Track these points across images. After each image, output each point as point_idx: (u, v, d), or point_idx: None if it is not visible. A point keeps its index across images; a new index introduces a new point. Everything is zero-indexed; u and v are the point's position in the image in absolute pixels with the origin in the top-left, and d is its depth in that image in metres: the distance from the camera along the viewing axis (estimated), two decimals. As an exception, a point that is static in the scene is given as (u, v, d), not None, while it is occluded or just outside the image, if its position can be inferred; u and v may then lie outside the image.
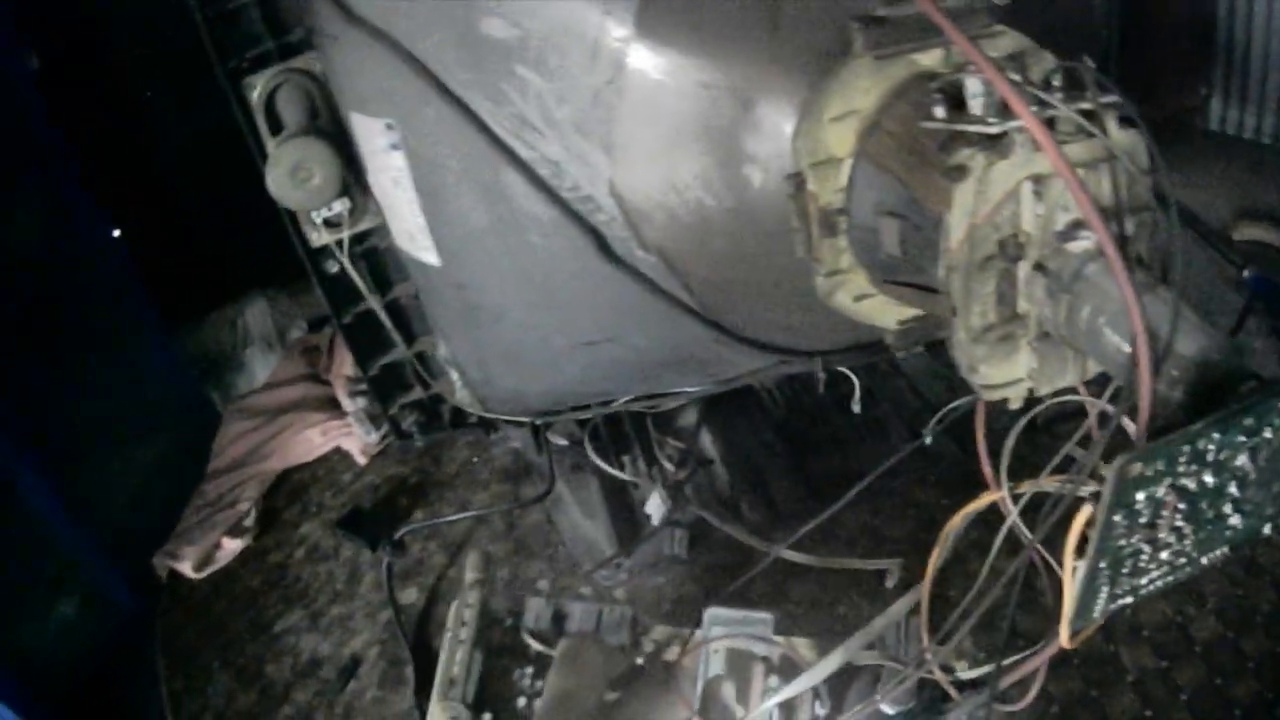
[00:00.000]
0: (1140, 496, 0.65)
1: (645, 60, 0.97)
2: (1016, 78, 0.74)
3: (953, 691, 1.01)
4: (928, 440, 1.29)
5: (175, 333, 2.36)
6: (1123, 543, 0.68)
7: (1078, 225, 0.74)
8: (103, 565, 1.98)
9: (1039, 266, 0.76)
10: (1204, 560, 0.73)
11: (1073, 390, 0.84)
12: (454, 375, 1.49)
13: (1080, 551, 0.68)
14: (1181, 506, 0.68)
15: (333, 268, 1.49)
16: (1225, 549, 0.73)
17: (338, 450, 1.96)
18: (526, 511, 1.70)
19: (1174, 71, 2.16)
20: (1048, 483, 0.83)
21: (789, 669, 1.15)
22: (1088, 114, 0.74)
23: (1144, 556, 0.70)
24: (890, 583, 1.36)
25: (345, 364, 1.99)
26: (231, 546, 1.84)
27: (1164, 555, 0.71)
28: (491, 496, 1.78)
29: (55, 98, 2.01)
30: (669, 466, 1.57)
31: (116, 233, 2.21)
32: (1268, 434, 0.67)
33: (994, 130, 0.75)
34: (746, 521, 1.52)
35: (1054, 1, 1.20)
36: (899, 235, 0.85)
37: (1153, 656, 1.30)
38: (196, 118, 2.21)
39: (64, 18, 2.16)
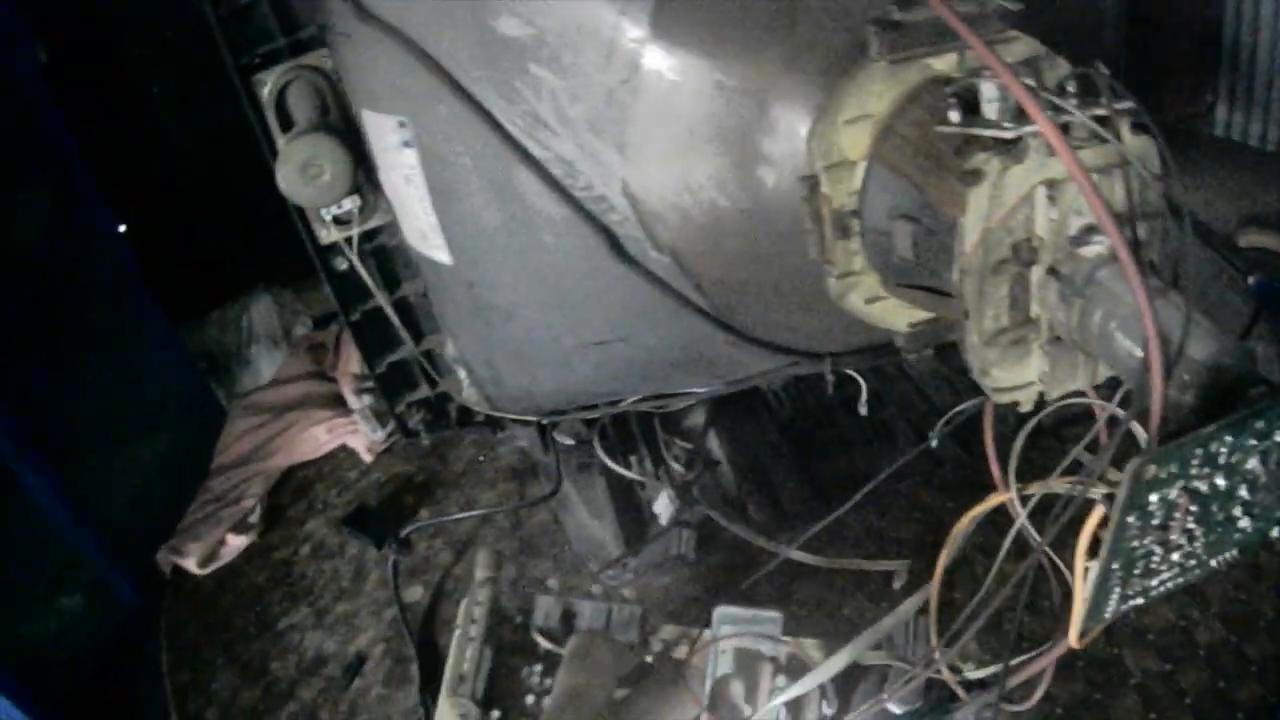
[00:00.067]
0: (1154, 498, 0.66)
1: (660, 60, 0.97)
2: (1031, 83, 0.75)
3: (960, 691, 1.02)
4: (934, 443, 1.29)
5: (180, 329, 2.36)
6: (1135, 544, 0.68)
7: (1091, 230, 0.75)
8: (106, 561, 1.98)
9: (1052, 271, 0.76)
10: (1213, 563, 0.74)
11: (1079, 393, 0.84)
12: (462, 374, 1.49)
13: (1093, 553, 0.69)
14: (1193, 509, 0.68)
15: (342, 265, 1.50)
16: (1234, 552, 0.74)
17: (343, 448, 1.97)
18: (532, 511, 1.71)
19: (1180, 78, 2.17)
20: (1057, 484, 0.83)
21: (797, 669, 1.15)
22: (1101, 119, 0.75)
23: (1155, 558, 0.70)
24: (898, 584, 1.37)
25: (351, 361, 1.99)
26: (236, 543, 1.84)
27: (1175, 557, 0.71)
28: (497, 495, 1.78)
29: (62, 92, 2.02)
30: (677, 467, 1.58)
31: (122, 228, 2.21)
32: (1278, 438, 0.68)
33: (1009, 135, 0.75)
34: (753, 523, 1.52)
35: (1063, 8, 1.20)
36: (912, 238, 0.86)
37: (1156, 659, 1.31)
38: (203, 114, 2.22)
39: (72, 12, 2.17)
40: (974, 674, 1.00)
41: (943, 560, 0.97)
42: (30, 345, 1.86)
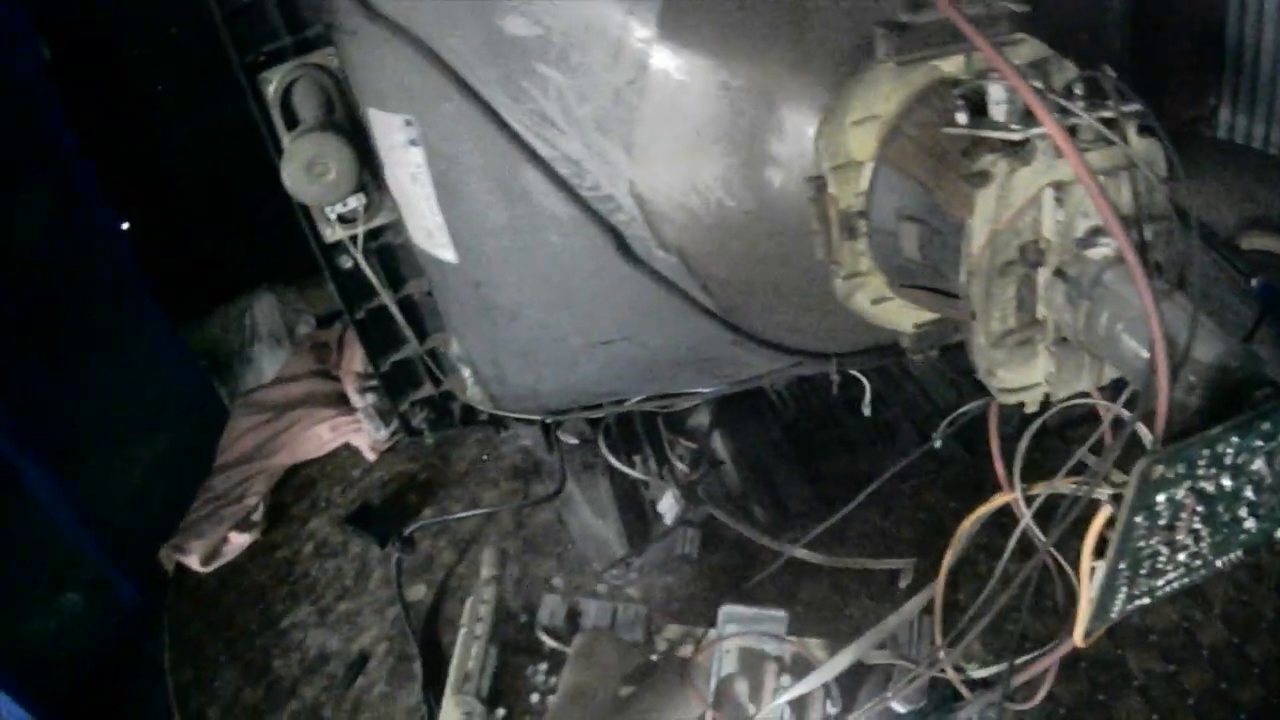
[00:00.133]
0: (1161, 498, 0.67)
1: (668, 61, 0.98)
2: (1039, 85, 0.75)
3: (964, 690, 1.02)
4: (937, 444, 1.29)
5: (182, 327, 2.37)
6: (1142, 544, 0.69)
7: (1097, 232, 0.75)
8: (107, 560, 1.99)
9: (1058, 272, 0.77)
10: (1219, 563, 0.74)
11: (1084, 395, 0.84)
12: (466, 372, 1.50)
13: (1099, 553, 0.69)
14: (1199, 509, 0.69)
15: (346, 263, 1.50)
16: (1239, 552, 0.75)
17: (347, 446, 1.97)
18: (536, 510, 1.71)
19: (1183, 81, 2.18)
20: (1062, 485, 0.83)
21: (802, 668, 1.15)
22: (1108, 122, 0.75)
23: (1162, 558, 0.71)
24: (903, 583, 1.37)
25: (355, 360, 1.99)
26: (239, 541, 1.84)
27: (1181, 557, 0.72)
28: (501, 494, 1.78)
29: (64, 90, 2.02)
30: (681, 466, 1.58)
31: (124, 227, 2.22)
32: (1284, 439, 0.68)
33: (1017, 137, 0.76)
34: (756, 523, 1.53)
35: (1068, 10, 1.21)
36: (919, 239, 0.86)
37: (1159, 661, 1.31)
38: (205, 113, 2.23)
39: (74, 10, 2.17)
40: (978, 673, 1.00)
41: (948, 559, 0.97)
42: (31, 344, 1.86)
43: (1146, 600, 0.73)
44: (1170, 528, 0.69)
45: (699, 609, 1.43)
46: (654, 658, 1.29)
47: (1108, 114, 0.75)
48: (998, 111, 0.79)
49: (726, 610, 1.24)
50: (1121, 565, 0.69)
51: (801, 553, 1.40)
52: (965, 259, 0.78)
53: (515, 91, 1.06)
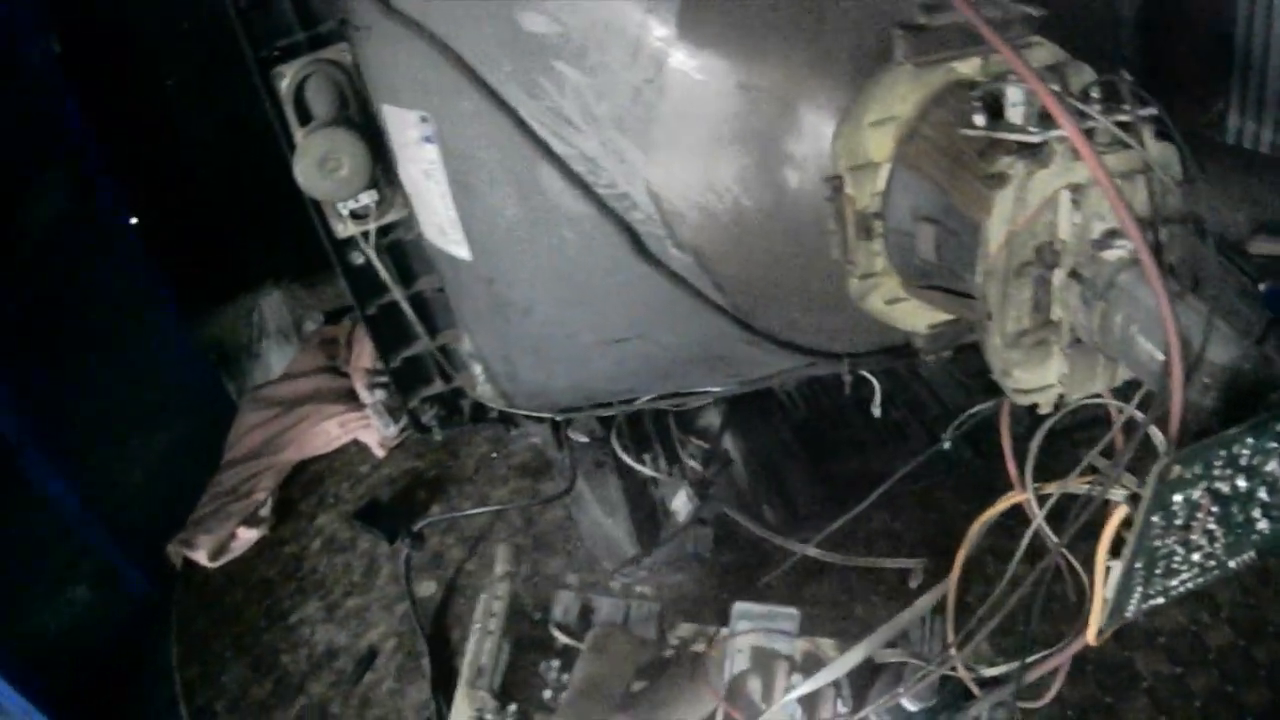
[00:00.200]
0: (1178, 498, 0.67)
1: (686, 60, 0.98)
2: (1057, 88, 0.76)
3: (975, 688, 1.02)
4: (947, 445, 1.30)
5: (190, 322, 2.37)
6: (1158, 543, 0.69)
7: (1113, 234, 0.76)
8: (115, 553, 2.00)
9: (1074, 274, 0.77)
10: (1232, 563, 0.75)
11: (1095, 396, 0.85)
12: (477, 369, 1.50)
13: (1115, 552, 0.70)
14: (1214, 509, 0.69)
15: (358, 259, 1.50)
16: (1252, 553, 0.75)
17: (355, 443, 1.97)
18: (545, 508, 1.71)
19: (1191, 85, 2.18)
20: (1075, 484, 0.84)
21: (813, 667, 1.16)
22: (1124, 126, 0.76)
23: (1177, 558, 0.71)
24: (914, 583, 1.37)
25: (364, 356, 2.00)
26: (247, 536, 1.85)
27: (1195, 557, 0.72)
28: (510, 492, 1.79)
29: (76, 84, 2.02)
30: (693, 465, 1.58)
31: (134, 220, 2.22)
32: (1297, 441, 0.69)
33: (1035, 139, 0.76)
34: (766, 522, 1.53)
35: (1081, 14, 1.21)
36: (935, 240, 0.87)
37: (1166, 663, 1.32)
38: (217, 107, 2.24)
39: (87, 3, 2.18)
40: (990, 671, 1.01)
41: (960, 556, 0.98)
42: (40, 337, 1.87)
43: (1161, 600, 0.74)
44: (1186, 528, 0.69)
45: (709, 608, 1.44)
46: (667, 653, 1.29)
47: (1124, 117, 0.76)
48: (1015, 114, 0.79)
49: (740, 607, 1.25)
50: (1138, 564, 0.70)
51: (814, 552, 1.41)
52: (981, 260, 0.78)
53: (532, 88, 1.07)
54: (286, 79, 1.37)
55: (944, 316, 0.98)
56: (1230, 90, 2.18)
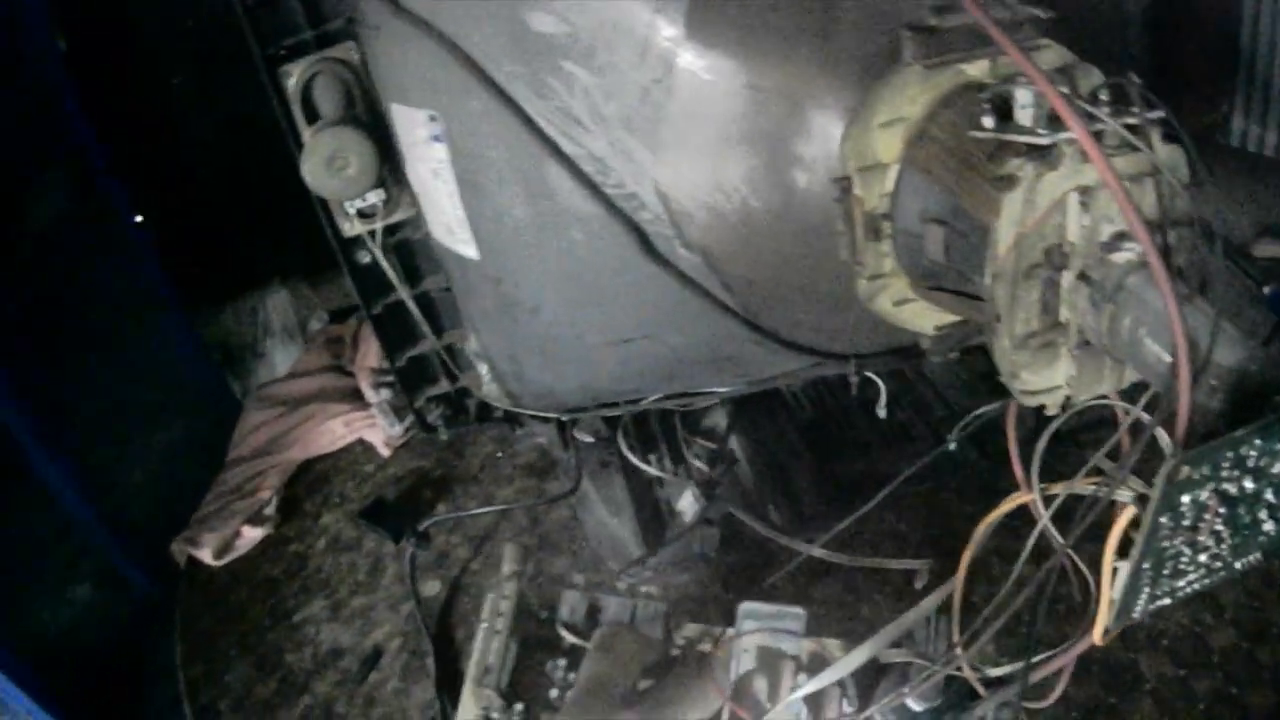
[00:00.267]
0: (1186, 499, 0.67)
1: (694, 60, 0.98)
2: (1066, 91, 0.76)
3: (980, 689, 1.03)
4: (952, 446, 1.30)
5: (195, 320, 2.37)
6: (1166, 544, 0.70)
7: (1122, 237, 0.76)
8: (119, 551, 1.99)
9: (1083, 276, 0.77)
10: (1238, 565, 0.75)
11: (1101, 397, 0.85)
12: (483, 369, 1.50)
13: (1122, 553, 0.70)
14: (1222, 510, 0.70)
15: (364, 258, 1.50)
16: (1258, 554, 0.75)
17: (360, 442, 1.98)
18: (550, 507, 1.72)
19: (1196, 88, 2.18)
20: (1081, 485, 0.84)
21: (819, 667, 1.16)
22: (1133, 128, 0.76)
23: (1184, 558, 0.72)
24: (919, 583, 1.37)
25: (369, 355, 2.00)
26: (251, 535, 1.85)
27: (1202, 558, 0.73)
28: (515, 492, 1.79)
29: (81, 81, 2.02)
30: (699, 465, 1.58)
31: (139, 219, 2.22)
32: (1304, 443, 0.69)
33: (1044, 141, 0.76)
34: (771, 523, 1.53)
35: (1089, 17, 1.21)
36: (943, 242, 0.87)
37: (1171, 665, 1.32)
38: (222, 105, 2.24)
39: (92, 2, 2.18)
40: (995, 671, 1.01)
41: (967, 556, 0.98)
42: (45, 335, 1.87)
43: (1167, 600, 0.74)
44: (1193, 529, 0.70)
45: (715, 608, 1.44)
46: (673, 653, 1.30)
47: (1132, 120, 0.76)
48: (1024, 116, 0.79)
49: (746, 607, 1.25)
50: (1145, 565, 0.70)
51: (819, 552, 1.41)
52: (990, 262, 0.79)
53: (541, 88, 1.07)
54: (294, 77, 1.37)
55: (951, 318, 0.99)
56: (1235, 93, 2.18)
